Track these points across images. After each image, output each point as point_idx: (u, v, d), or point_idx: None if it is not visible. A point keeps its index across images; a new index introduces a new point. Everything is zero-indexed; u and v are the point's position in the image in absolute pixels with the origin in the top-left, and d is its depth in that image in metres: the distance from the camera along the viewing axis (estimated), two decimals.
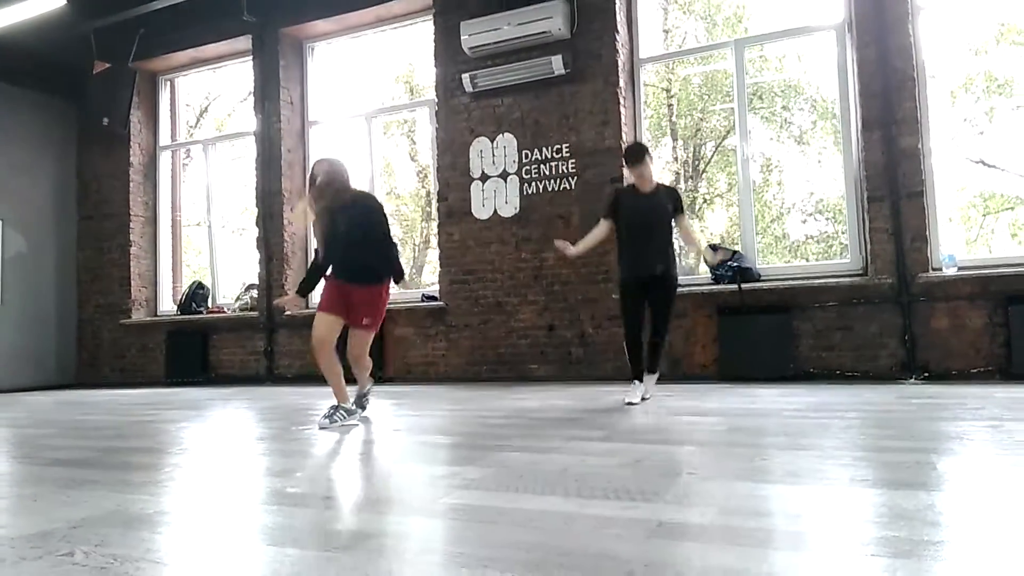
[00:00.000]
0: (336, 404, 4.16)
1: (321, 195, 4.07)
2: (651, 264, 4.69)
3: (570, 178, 6.96)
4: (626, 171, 5.01)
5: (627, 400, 4.64)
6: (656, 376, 4.91)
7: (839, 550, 1.57)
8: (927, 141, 5.96)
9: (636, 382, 4.76)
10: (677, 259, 4.90)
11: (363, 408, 4.45)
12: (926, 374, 5.65)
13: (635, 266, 4.73)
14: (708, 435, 3.35)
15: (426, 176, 13.04)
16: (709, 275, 6.54)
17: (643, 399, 4.70)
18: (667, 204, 4.74)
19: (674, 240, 4.90)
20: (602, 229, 4.92)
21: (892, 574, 1.40)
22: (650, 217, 4.72)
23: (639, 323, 4.75)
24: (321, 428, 4.00)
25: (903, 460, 2.52)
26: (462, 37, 7.14)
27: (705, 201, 12.33)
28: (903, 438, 3.05)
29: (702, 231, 5.23)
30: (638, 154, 4.73)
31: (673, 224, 4.82)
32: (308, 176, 4.22)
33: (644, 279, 4.72)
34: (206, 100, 14.69)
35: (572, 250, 4.93)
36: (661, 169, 10.97)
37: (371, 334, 4.28)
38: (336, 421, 4.08)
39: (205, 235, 9.66)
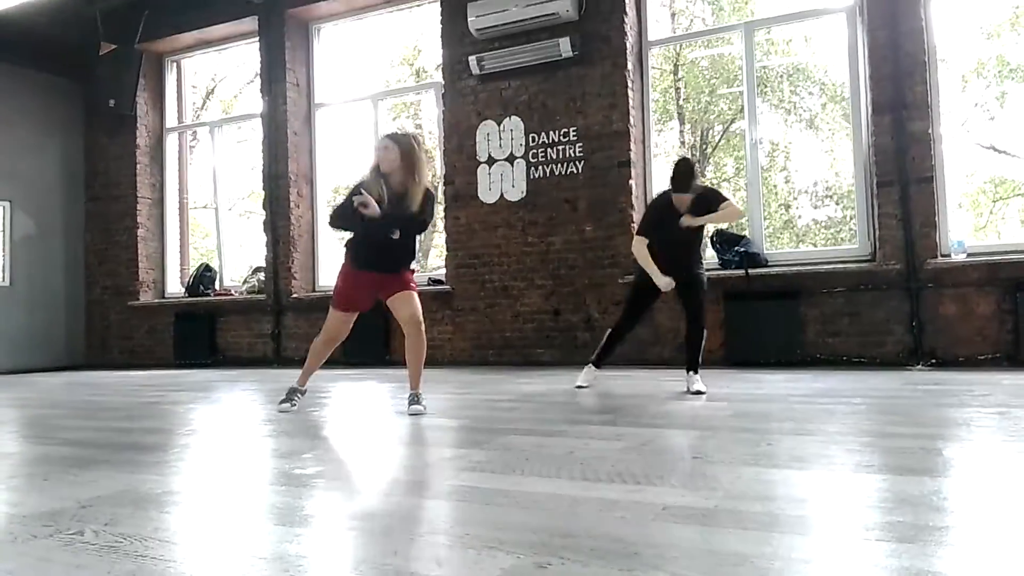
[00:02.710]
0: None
1: None
2: (672, 273, 4.45)
3: (577, 162, 6.93)
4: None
5: (577, 383, 4.78)
6: (697, 373, 4.46)
7: (844, 534, 1.58)
8: (937, 126, 5.91)
9: (592, 366, 4.84)
10: (701, 260, 4.63)
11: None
12: (933, 360, 5.64)
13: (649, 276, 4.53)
14: (714, 420, 3.35)
15: (432, 159, 13.02)
16: (716, 260, 6.51)
17: (694, 391, 4.31)
18: (703, 213, 4.36)
19: (703, 247, 4.64)
20: (644, 249, 4.57)
21: (897, 559, 1.40)
22: (686, 238, 4.45)
23: (632, 322, 4.75)
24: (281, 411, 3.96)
25: (909, 446, 2.52)
26: (469, 18, 7.09)
27: (712, 185, 12.28)
28: (909, 424, 3.04)
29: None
30: (687, 176, 4.32)
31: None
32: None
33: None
34: (212, 82, 14.68)
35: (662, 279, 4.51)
36: (667, 154, 10.92)
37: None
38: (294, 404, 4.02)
39: (212, 217, 9.68)
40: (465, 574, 1.38)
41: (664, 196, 4.54)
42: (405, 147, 3.72)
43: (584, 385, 4.77)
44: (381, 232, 3.73)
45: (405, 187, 3.72)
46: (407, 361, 3.89)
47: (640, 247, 4.54)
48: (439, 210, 4.00)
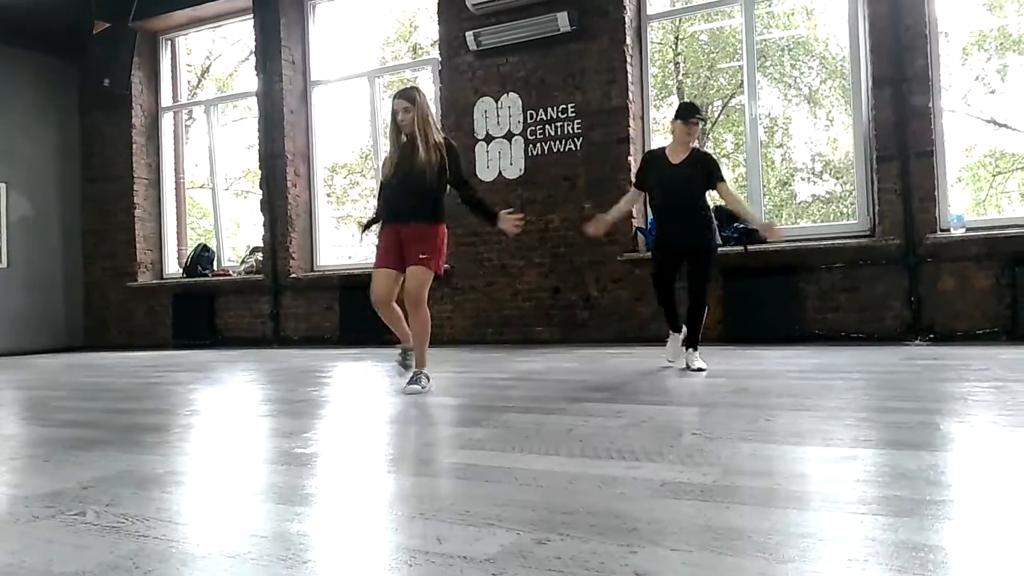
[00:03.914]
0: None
1: None
2: (685, 239, 4.45)
3: (576, 139, 6.89)
4: (672, 130, 4.62)
5: (666, 359, 4.55)
6: (696, 350, 4.45)
7: (841, 509, 1.59)
8: (938, 100, 5.87)
9: (672, 334, 4.55)
10: (713, 226, 4.54)
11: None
12: (931, 335, 5.65)
13: (669, 238, 4.52)
14: (713, 396, 3.36)
15: None
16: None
17: (695, 368, 4.31)
18: (701, 174, 4.42)
19: (708, 208, 4.55)
20: (632, 197, 4.79)
21: (894, 533, 1.41)
22: (684, 189, 4.43)
23: (670, 291, 4.54)
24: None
25: (907, 421, 2.53)
26: None
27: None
28: (907, 399, 3.06)
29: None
30: (695, 109, 4.53)
31: (709, 193, 4.51)
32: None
33: (678, 252, 4.51)
34: (208, 60, 14.55)
35: (605, 221, 4.67)
36: (666, 130, 10.75)
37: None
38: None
39: (209, 197, 9.64)
40: (465, 551, 1.39)
41: (658, 149, 4.68)
42: (420, 104, 3.82)
43: (672, 360, 4.53)
44: (404, 196, 3.83)
45: (421, 141, 3.80)
46: (412, 340, 3.93)
47: (630, 197, 4.81)
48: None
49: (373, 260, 4.02)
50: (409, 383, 3.80)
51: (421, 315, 3.88)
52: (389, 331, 3.95)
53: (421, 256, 3.80)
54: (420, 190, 3.79)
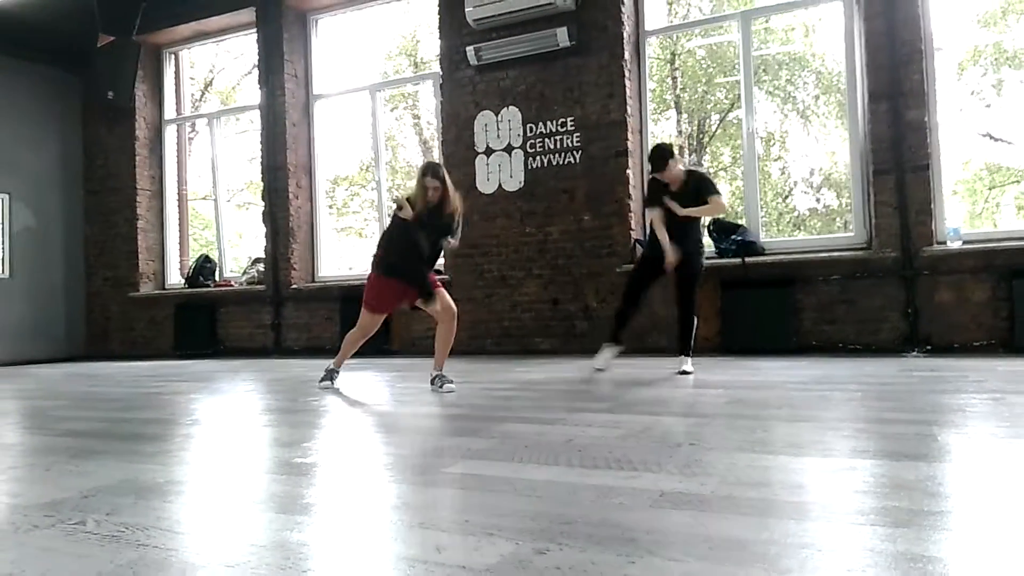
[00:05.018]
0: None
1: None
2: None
3: (575, 152, 6.92)
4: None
5: (595, 366, 5.01)
6: (688, 356, 4.89)
7: (839, 520, 1.60)
8: (934, 114, 5.91)
9: (610, 345, 5.08)
10: (701, 251, 5.05)
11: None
12: (928, 347, 5.66)
13: (659, 255, 4.85)
14: (711, 407, 3.37)
15: (430, 150, 12.98)
16: (713, 249, 6.51)
17: (681, 372, 4.76)
18: (692, 196, 4.78)
19: (700, 234, 5.05)
20: (657, 216, 4.91)
21: (892, 543, 1.42)
22: (679, 217, 4.79)
23: (635, 300, 5.03)
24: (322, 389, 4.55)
25: (904, 432, 2.54)
26: (466, 8, 7.06)
27: (709, 174, 12.26)
28: (904, 410, 3.06)
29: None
30: (658, 159, 4.82)
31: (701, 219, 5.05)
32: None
33: (662, 270, 4.86)
34: (211, 73, 14.62)
35: (667, 246, 4.86)
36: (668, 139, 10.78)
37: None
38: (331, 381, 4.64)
39: (211, 209, 9.66)
40: (465, 560, 1.40)
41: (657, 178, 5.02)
42: (447, 182, 4.39)
43: (601, 368, 4.94)
44: (428, 245, 4.38)
45: (443, 206, 4.39)
46: (438, 345, 4.44)
47: (652, 215, 4.96)
48: None
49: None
50: (445, 383, 4.26)
51: (455, 325, 4.52)
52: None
53: (440, 282, 4.53)
54: (436, 244, 4.47)
